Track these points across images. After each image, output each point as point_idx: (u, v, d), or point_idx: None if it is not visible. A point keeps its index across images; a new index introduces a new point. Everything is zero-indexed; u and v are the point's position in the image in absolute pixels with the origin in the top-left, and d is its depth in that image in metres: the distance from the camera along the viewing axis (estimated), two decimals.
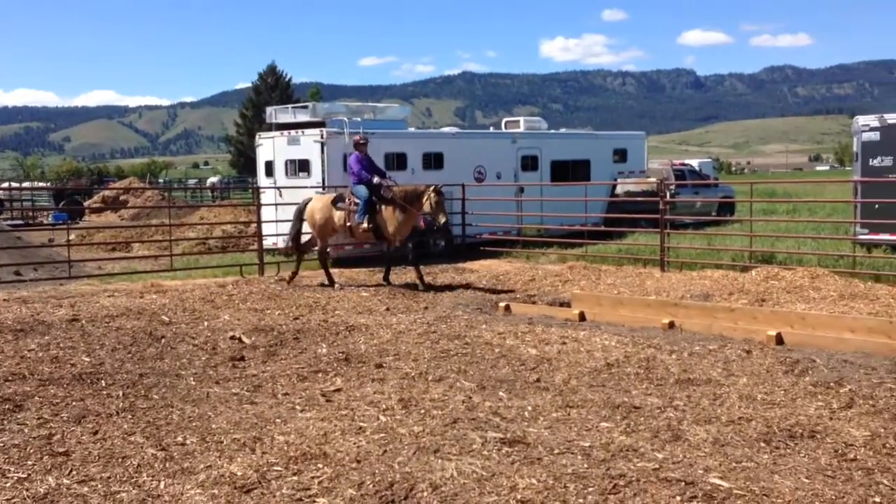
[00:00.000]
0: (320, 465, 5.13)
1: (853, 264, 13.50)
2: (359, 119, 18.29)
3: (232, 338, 9.27)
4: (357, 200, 13.50)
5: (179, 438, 5.72)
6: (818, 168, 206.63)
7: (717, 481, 4.66)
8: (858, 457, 5.10)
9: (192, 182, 79.61)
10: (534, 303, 11.79)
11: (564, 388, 6.92)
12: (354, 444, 5.53)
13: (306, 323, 10.20)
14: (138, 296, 12.53)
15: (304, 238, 14.61)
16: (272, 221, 17.02)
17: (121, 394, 6.91)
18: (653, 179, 22.46)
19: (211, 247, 20.44)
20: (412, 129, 20.82)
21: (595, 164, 21.90)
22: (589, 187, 20.34)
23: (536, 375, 7.37)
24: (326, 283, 13.85)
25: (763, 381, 6.93)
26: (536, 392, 6.82)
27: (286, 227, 17.13)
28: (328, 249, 14.60)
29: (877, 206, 15.80)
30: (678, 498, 4.44)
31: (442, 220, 12.91)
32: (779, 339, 8.45)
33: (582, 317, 10.17)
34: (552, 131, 23.52)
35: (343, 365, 7.92)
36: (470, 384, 7.10)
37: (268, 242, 17.01)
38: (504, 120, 23.42)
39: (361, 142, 13.94)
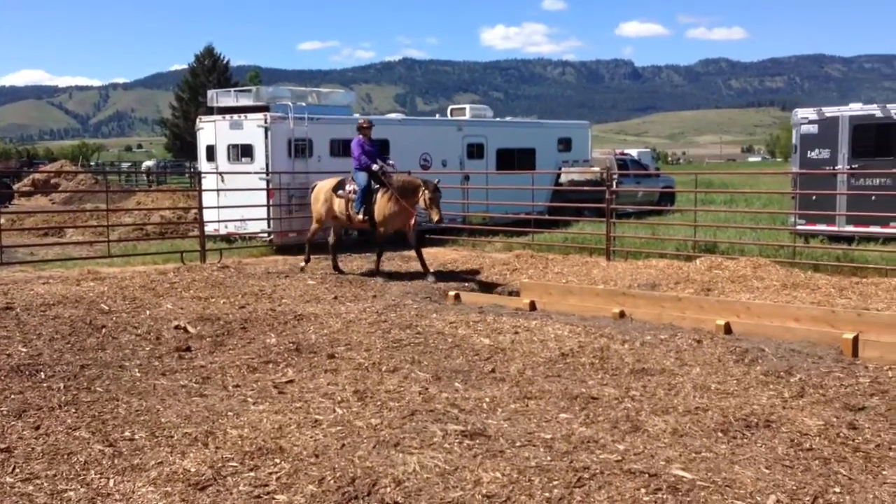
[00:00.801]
0: (277, 460, 4.98)
1: (793, 254, 13.80)
2: (303, 104, 18.01)
3: (176, 327, 9.01)
4: (356, 188, 13.23)
5: (127, 433, 5.50)
6: (750, 159, 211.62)
7: (680, 472, 4.67)
8: (814, 446, 5.16)
9: (125, 166, 77.69)
10: (483, 291, 11.76)
11: (521, 378, 6.88)
12: (311, 437, 5.40)
13: (253, 312, 9.97)
14: (75, 283, 12.10)
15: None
16: (214, 207, 16.64)
17: (62, 386, 6.63)
18: (596, 169, 22.66)
19: (149, 233, 19.89)
20: (357, 115, 20.55)
21: (540, 153, 21.98)
22: (534, 176, 20.40)
23: (491, 366, 7.32)
24: (301, 265, 14.06)
25: (716, 371, 7.00)
26: (493, 383, 6.76)
27: (229, 213, 16.84)
28: (331, 238, 14.31)
29: (814, 197, 16.20)
30: (643, 490, 4.43)
31: (436, 217, 12.53)
32: (727, 329, 8.56)
33: (532, 306, 10.16)
34: (498, 119, 23.54)
35: (294, 355, 7.75)
36: (425, 375, 7.02)
37: (209, 228, 16.63)
38: (450, 107, 23.32)
39: (365, 125, 13.43)
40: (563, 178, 22.23)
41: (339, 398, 6.31)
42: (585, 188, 19.89)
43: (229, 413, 5.96)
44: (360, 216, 13.17)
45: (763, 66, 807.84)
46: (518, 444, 5.19)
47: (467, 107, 22.50)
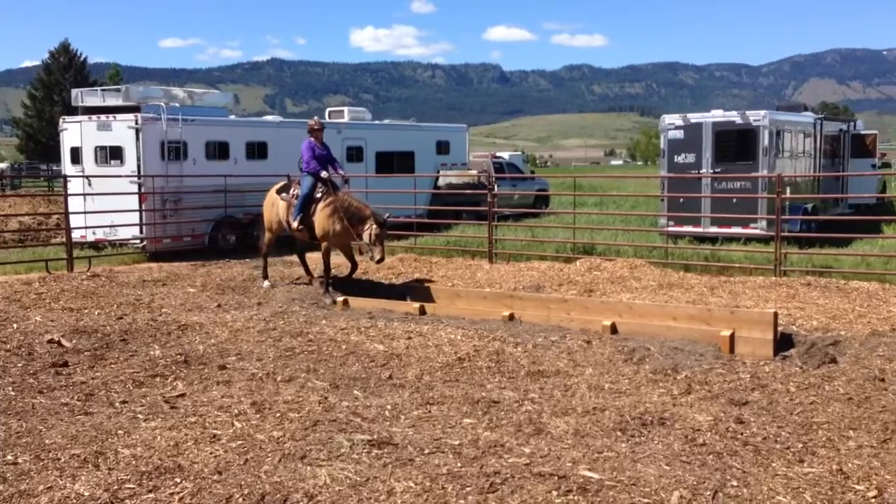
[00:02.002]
0: (178, 479, 4.78)
1: (665, 255, 14.41)
2: (177, 105, 17.38)
3: (50, 341, 8.50)
4: (299, 193, 12.06)
5: (10, 457, 5.15)
6: (613, 162, 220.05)
7: (588, 473, 4.78)
8: (707, 441, 5.40)
9: None
10: (371, 296, 11.68)
11: (420, 384, 6.88)
12: (211, 453, 5.21)
13: (132, 323, 9.54)
14: None
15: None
16: (81, 213, 15.80)
17: None
18: (474, 172, 22.97)
19: (7, 240, 18.69)
20: (233, 117, 20.04)
21: (419, 156, 22.06)
22: (415, 179, 20.46)
23: (388, 372, 7.28)
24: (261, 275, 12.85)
25: (607, 371, 7.21)
26: (393, 389, 6.73)
27: (97, 219, 16.04)
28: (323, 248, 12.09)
29: (681, 199, 17.00)
30: (554, 493, 4.51)
31: (377, 256, 11.19)
32: (613, 329, 8.84)
33: (422, 310, 10.17)
34: (377, 122, 23.46)
35: (182, 367, 7.46)
36: (322, 383, 6.90)
37: (76, 235, 15.79)
38: (328, 109, 23.06)
39: (316, 127, 12.30)
40: (442, 182, 22.40)
41: (236, 411, 6.12)
42: (466, 191, 20.11)
43: (119, 431, 5.67)
44: (296, 224, 11.98)
45: (623, 73, 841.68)
46: (427, 451, 5.17)
47: (346, 109, 22.32)
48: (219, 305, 10.90)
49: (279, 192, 12.60)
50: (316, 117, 12.67)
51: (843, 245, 15.21)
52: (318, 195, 11.79)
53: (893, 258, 13.04)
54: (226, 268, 14.70)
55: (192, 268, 14.62)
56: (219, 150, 17.53)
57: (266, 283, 12.48)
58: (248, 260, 15.72)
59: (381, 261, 11.34)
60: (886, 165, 32.63)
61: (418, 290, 11.58)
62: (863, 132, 23.23)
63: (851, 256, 13.72)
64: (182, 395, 6.60)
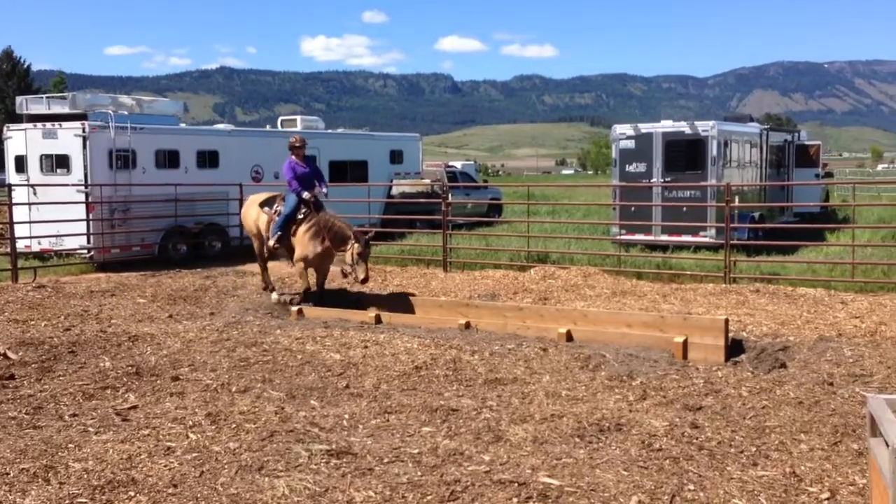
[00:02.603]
0: (132, 493, 4.68)
1: (618, 263, 14.57)
2: (125, 113, 17.08)
3: None
4: (282, 211, 11.59)
5: None
6: (564, 171, 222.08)
7: (547, 480, 4.80)
8: (663, 446, 5.46)
9: None
10: (265, 263, 11.78)
11: (377, 393, 6.84)
12: (166, 466, 5.11)
13: (80, 334, 9.33)
14: None
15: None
16: (25, 222, 15.41)
17: None
18: (427, 181, 22.99)
19: None
20: (184, 126, 19.76)
21: (373, 165, 22.01)
22: (367, 188, 20.40)
23: (345, 381, 7.23)
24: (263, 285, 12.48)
25: (564, 378, 7.26)
26: (350, 399, 6.68)
27: (42, 229, 15.67)
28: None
29: (633, 208, 17.22)
30: (515, 500, 4.52)
31: (362, 275, 10.69)
32: (569, 336, 8.90)
33: (378, 319, 10.13)
34: (330, 131, 23.35)
35: (134, 379, 7.32)
36: (278, 394, 6.83)
37: (20, 245, 15.39)
38: (280, 118, 22.90)
39: (297, 144, 11.65)
40: (395, 191, 22.38)
41: (190, 423, 6.01)
42: (420, 200, 20.11)
43: (69, 445, 5.53)
44: (272, 243, 11.59)
45: (573, 84, 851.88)
46: (386, 460, 5.15)
47: (298, 118, 22.16)
48: (170, 316, 10.72)
49: (262, 204, 12.08)
50: (298, 135, 12.18)
51: (789, 252, 15.55)
52: (301, 216, 11.37)
53: (838, 265, 13.37)
54: (177, 278, 14.48)
55: (142, 278, 14.37)
56: (169, 159, 17.26)
57: (274, 296, 11.88)
58: (199, 270, 15.51)
59: (365, 280, 10.83)
60: (829, 175, 33.48)
61: (373, 299, 11.53)
62: (806, 143, 23.81)
63: (798, 264, 14.03)
64: (134, 408, 6.47)
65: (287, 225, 11.41)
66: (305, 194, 11.34)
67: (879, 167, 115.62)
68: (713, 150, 16.90)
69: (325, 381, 7.25)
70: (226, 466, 5.07)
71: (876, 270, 12.87)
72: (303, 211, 11.39)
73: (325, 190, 11.79)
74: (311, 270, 11.52)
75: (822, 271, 13.18)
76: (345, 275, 11.36)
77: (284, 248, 11.63)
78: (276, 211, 11.72)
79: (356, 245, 10.73)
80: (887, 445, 2.97)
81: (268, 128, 22.89)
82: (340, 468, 5.00)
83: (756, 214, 17.75)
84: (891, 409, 3.27)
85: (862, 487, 4.66)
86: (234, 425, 5.94)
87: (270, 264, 12.67)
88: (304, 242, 11.21)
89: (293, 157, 11.60)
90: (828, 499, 4.57)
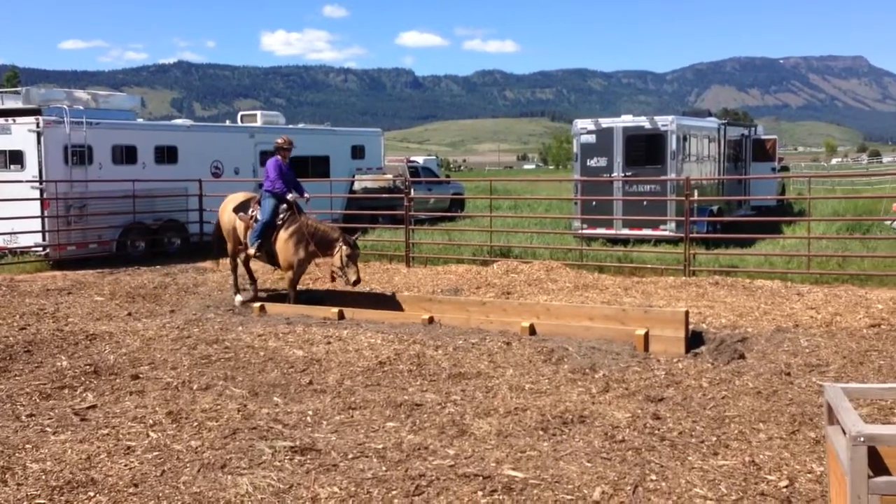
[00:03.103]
0: (91, 494, 4.60)
1: (580, 257, 14.67)
2: (81, 107, 16.77)
3: None
4: (259, 217, 11.13)
5: None
6: (525, 166, 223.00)
7: (512, 472, 4.82)
8: (626, 438, 5.51)
9: None
10: (235, 268, 11.65)
11: (341, 389, 6.81)
12: (126, 465, 5.04)
13: (37, 333, 9.15)
14: None
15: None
16: None
17: None
18: (389, 176, 22.94)
19: None
20: (141, 121, 19.47)
21: (334, 161, 21.89)
22: (329, 183, 20.29)
23: (308, 378, 7.19)
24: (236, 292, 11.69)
25: (528, 371, 7.29)
26: (313, 395, 6.64)
27: None
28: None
29: (594, 202, 17.34)
30: (480, 493, 4.53)
31: (353, 277, 10.46)
32: (532, 330, 8.94)
33: (341, 315, 10.08)
34: (291, 126, 23.15)
35: (92, 378, 7.20)
36: (241, 391, 6.77)
37: None
38: (240, 113, 22.66)
39: (285, 146, 11.30)
40: (357, 186, 22.29)
41: (150, 421, 5.94)
42: (382, 195, 20.06)
43: (27, 445, 5.43)
44: (253, 251, 11.09)
45: (534, 79, 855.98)
46: (350, 456, 5.13)
47: (258, 113, 21.95)
48: (129, 314, 10.57)
49: (237, 209, 11.60)
50: (285, 136, 11.75)
51: (747, 245, 15.78)
52: (280, 221, 11.01)
53: (794, 257, 13.60)
54: (135, 275, 14.28)
55: (100, 276, 14.16)
56: (126, 155, 17.00)
57: (238, 298, 11.47)
58: (158, 267, 15.32)
59: (357, 282, 10.55)
60: (785, 169, 34.05)
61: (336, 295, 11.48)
62: (763, 137, 24.20)
63: (755, 256, 14.25)
64: (93, 407, 6.37)
65: (266, 231, 11.00)
66: (291, 195, 11.04)
67: (833, 161, 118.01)
68: (672, 144, 17.07)
69: (287, 378, 7.20)
70: (188, 465, 5.01)
71: (831, 262, 13.12)
72: (281, 216, 11.03)
73: (307, 195, 11.42)
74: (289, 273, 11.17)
75: (779, 263, 13.40)
76: (333, 278, 10.94)
77: (265, 255, 11.18)
78: (252, 217, 11.30)
79: (344, 247, 10.48)
80: (844, 433, 3.02)
81: (227, 123, 22.62)
82: (304, 465, 4.97)
83: (714, 208, 17.97)
84: (847, 397, 3.34)
85: (820, 475, 4.75)
86: (195, 423, 5.87)
87: (223, 262, 12.53)
88: (288, 249, 10.83)
89: (279, 157, 11.23)
90: (786, 487, 4.65)
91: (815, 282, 12.01)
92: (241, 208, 11.59)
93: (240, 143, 19.75)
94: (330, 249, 10.66)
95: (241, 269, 12.00)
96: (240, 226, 11.48)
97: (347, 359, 7.79)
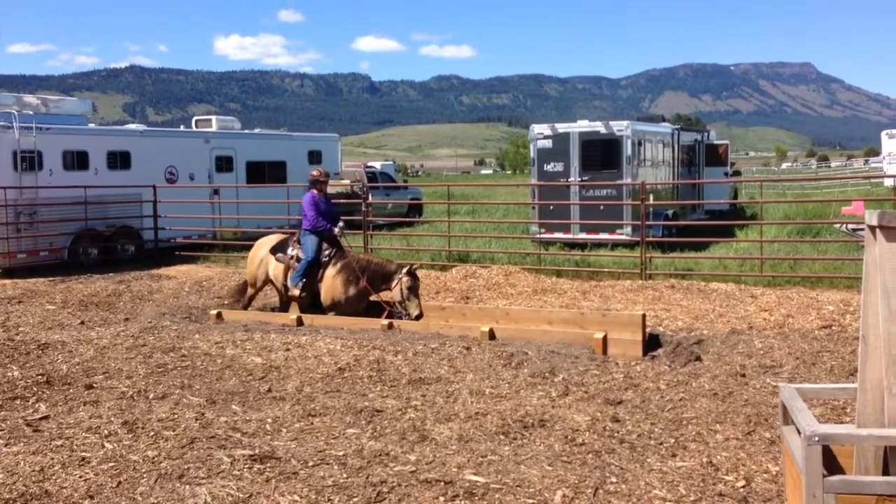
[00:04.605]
0: None
1: (538, 261, 14.76)
2: (30, 112, 16.43)
3: None
4: (301, 256, 10.27)
5: None
6: (483, 171, 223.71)
7: (473, 477, 4.82)
8: (586, 441, 5.55)
9: None
10: (246, 308, 11.39)
11: (300, 396, 6.76)
12: (81, 477, 4.94)
13: None
14: None
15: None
16: None
17: None
18: (347, 181, 22.85)
19: None
20: (93, 126, 19.13)
21: (291, 166, 21.74)
22: (286, 189, 20.16)
23: (267, 385, 7.12)
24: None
25: (488, 376, 7.30)
26: (272, 403, 6.58)
27: None
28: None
29: (551, 207, 17.46)
30: (441, 498, 4.52)
31: (415, 312, 9.61)
32: (491, 335, 8.95)
33: (299, 321, 10.00)
34: (247, 131, 22.97)
35: (45, 388, 7.05)
36: (198, 399, 6.67)
37: None
38: (195, 118, 22.42)
39: (321, 178, 10.49)
40: None
41: (105, 432, 5.82)
42: (340, 200, 19.94)
43: None
44: (298, 292, 10.20)
45: (490, 84, 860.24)
46: (311, 463, 5.09)
47: (214, 118, 21.72)
48: (82, 322, 10.38)
49: (274, 250, 10.70)
50: (320, 167, 10.82)
51: (701, 249, 16.02)
52: (325, 258, 10.26)
53: (748, 260, 13.84)
54: (88, 283, 14.02)
55: (51, 284, 13.87)
56: (77, 160, 16.69)
57: None
58: (112, 274, 15.06)
59: (419, 316, 9.61)
60: (737, 173, 34.67)
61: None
62: (715, 142, 24.59)
63: (710, 259, 14.47)
64: (46, 418, 6.23)
65: (311, 270, 10.20)
66: (336, 230, 10.25)
67: (784, 166, 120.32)
68: (628, 149, 17.27)
69: (246, 386, 7.13)
70: (144, 475, 4.93)
71: (783, 265, 13.38)
72: (325, 252, 10.28)
73: (341, 224, 10.49)
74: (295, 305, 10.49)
75: (733, 267, 13.63)
76: (390, 314, 9.85)
77: (308, 294, 10.31)
78: (292, 257, 10.41)
79: (405, 279, 9.70)
80: (799, 433, 3.08)
81: (182, 128, 22.35)
82: (264, 473, 4.92)
83: (669, 212, 18.22)
84: (801, 398, 3.40)
85: (776, 474, 4.83)
86: (152, 433, 5.78)
87: (178, 269, 12.38)
88: (335, 287, 10.06)
89: (315, 191, 10.40)
90: (743, 486, 4.72)
91: (768, 284, 12.23)
92: (277, 249, 10.72)
93: (195, 148, 19.51)
94: (386, 283, 9.86)
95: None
96: (277, 267, 10.57)
97: (307, 365, 7.74)
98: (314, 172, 10.63)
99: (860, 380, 3.12)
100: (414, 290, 9.74)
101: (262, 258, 10.84)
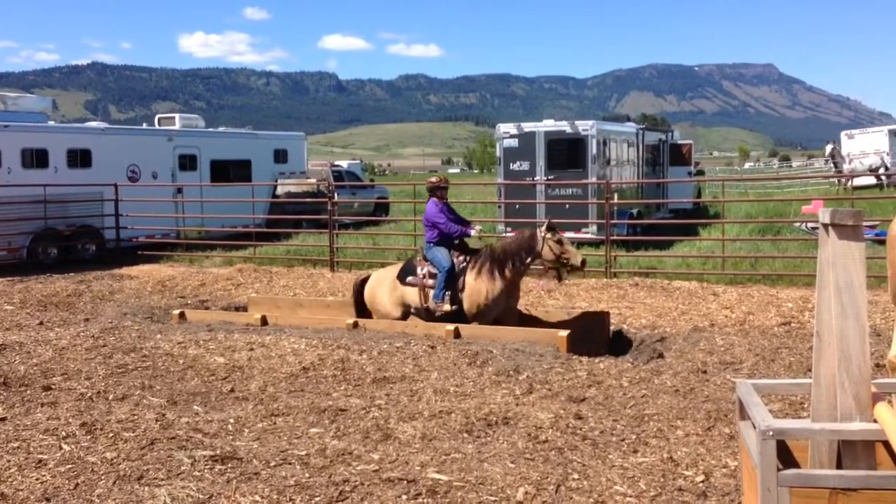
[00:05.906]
0: None
1: None
2: None
3: None
4: (434, 271, 9.37)
5: None
6: (451, 171, 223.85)
7: (436, 475, 4.82)
8: (549, 438, 5.57)
9: None
10: (208, 308, 11.29)
11: (264, 396, 6.71)
12: (37, 479, 4.85)
13: None
14: None
15: None
16: None
17: None
18: (313, 180, 22.74)
19: None
20: (53, 123, 18.84)
21: (256, 165, 21.59)
22: (253, 188, 20.02)
23: (230, 385, 7.06)
24: None
25: (452, 374, 7.31)
26: (235, 403, 6.53)
27: None
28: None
29: (517, 206, 17.52)
30: (404, 497, 4.52)
31: (578, 259, 9.02)
32: (456, 333, 8.94)
33: (264, 321, 9.93)
34: (211, 130, 22.77)
35: (1, 390, 6.91)
36: (159, 400, 6.60)
37: None
38: (157, 116, 22.16)
39: (442, 185, 9.72)
40: (280, 190, 22.03)
41: (63, 433, 5.73)
42: (306, 199, 19.86)
43: None
44: (447, 306, 9.25)
45: (458, 83, 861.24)
46: (273, 463, 5.05)
47: (177, 116, 21.50)
48: (41, 323, 10.21)
49: (401, 277, 9.66)
50: (439, 174, 9.66)
51: (665, 247, 16.17)
52: (462, 265, 9.38)
53: (710, 259, 14.00)
54: (47, 283, 13.80)
55: (9, 283, 13.63)
56: (37, 158, 16.43)
57: None
58: (72, 274, 14.83)
59: (584, 262, 9.12)
60: (700, 173, 35.07)
61: (257, 301, 11.31)
62: (679, 142, 24.86)
63: (673, 258, 14.61)
64: (2, 420, 6.11)
65: (453, 279, 9.36)
66: (472, 231, 9.50)
67: (746, 165, 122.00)
68: (593, 148, 17.39)
69: (208, 386, 7.06)
70: (102, 477, 4.86)
71: (744, 263, 13.55)
72: (460, 258, 9.45)
73: (479, 226, 10.04)
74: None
75: (696, 265, 13.77)
76: (556, 279, 9.36)
77: (459, 306, 9.38)
78: (425, 274, 9.47)
79: (548, 235, 8.96)
80: (754, 427, 3.12)
81: (144, 126, 22.08)
82: (225, 474, 4.88)
83: (634, 211, 18.38)
84: (757, 393, 3.45)
85: (734, 469, 4.89)
86: (111, 434, 5.70)
87: (140, 269, 12.24)
88: (478, 290, 9.18)
89: (435, 199, 9.62)
90: (703, 481, 4.77)
91: (730, 282, 12.39)
92: (405, 274, 9.66)
93: (158, 146, 19.29)
94: (531, 253, 9.07)
95: None
96: (411, 292, 9.55)
97: (270, 365, 7.69)
98: (433, 179, 10.02)
99: (815, 375, 3.17)
100: (563, 240, 9.10)
101: (389, 290, 9.71)
